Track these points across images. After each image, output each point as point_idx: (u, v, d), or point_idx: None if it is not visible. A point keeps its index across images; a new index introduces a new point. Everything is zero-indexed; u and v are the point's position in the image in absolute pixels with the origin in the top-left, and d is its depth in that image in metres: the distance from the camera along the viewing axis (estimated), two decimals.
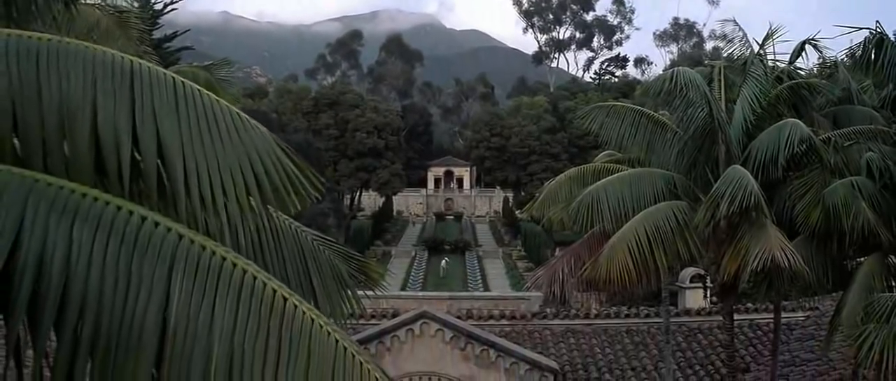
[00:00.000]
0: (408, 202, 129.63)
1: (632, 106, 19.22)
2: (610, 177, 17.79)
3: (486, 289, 70.93)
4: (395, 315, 22.65)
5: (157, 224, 4.08)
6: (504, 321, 25.30)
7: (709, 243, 17.12)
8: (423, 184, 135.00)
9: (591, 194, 17.13)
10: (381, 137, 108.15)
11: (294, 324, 4.15)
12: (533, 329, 25.32)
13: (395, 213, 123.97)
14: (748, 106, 17.49)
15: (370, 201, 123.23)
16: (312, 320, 4.22)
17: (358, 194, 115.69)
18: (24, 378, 4.70)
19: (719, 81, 18.33)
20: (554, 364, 22.62)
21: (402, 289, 61.10)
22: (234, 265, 4.14)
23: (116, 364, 3.86)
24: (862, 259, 16.71)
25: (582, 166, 20.10)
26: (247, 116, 4.97)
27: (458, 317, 23.78)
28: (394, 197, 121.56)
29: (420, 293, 38.95)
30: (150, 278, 3.97)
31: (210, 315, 3.96)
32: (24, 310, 3.93)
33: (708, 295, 28.11)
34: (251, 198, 4.64)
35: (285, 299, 4.20)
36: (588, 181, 18.33)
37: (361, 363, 4.29)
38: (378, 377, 4.32)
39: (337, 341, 4.27)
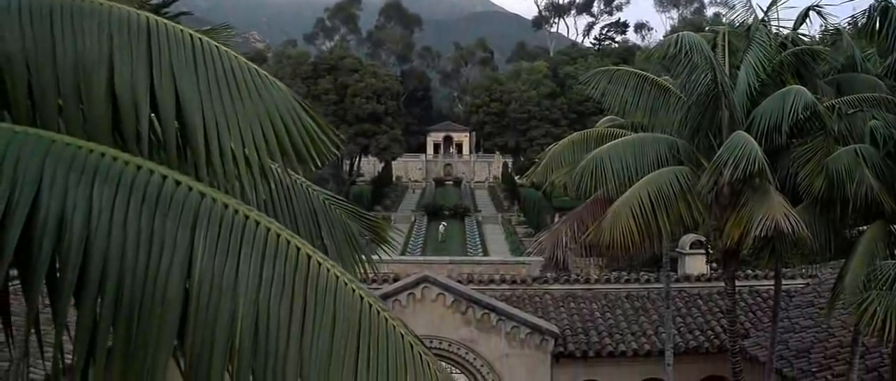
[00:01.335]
0: (407, 168, 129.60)
1: (635, 71, 19.16)
2: (613, 142, 17.76)
3: (486, 254, 71.05)
4: (396, 280, 22.73)
5: (178, 183, 4.02)
6: (504, 286, 25.39)
7: (711, 209, 17.14)
8: (423, 149, 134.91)
9: (594, 159, 17.12)
10: (381, 103, 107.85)
11: (319, 282, 4.12)
12: (533, 294, 25.42)
13: (394, 178, 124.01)
14: (752, 72, 17.41)
15: (369, 166, 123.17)
16: (337, 277, 4.20)
17: (357, 159, 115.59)
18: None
19: (723, 46, 18.25)
20: (554, 328, 22.74)
21: (402, 254, 61.20)
22: (258, 224, 4.10)
23: (139, 331, 3.83)
24: (863, 228, 16.74)
25: (585, 131, 20.06)
26: (266, 73, 4.92)
27: (459, 282, 23.87)
28: (393, 163, 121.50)
29: (421, 258, 39.05)
30: (172, 237, 3.93)
31: (234, 275, 3.93)
32: (44, 275, 3.88)
33: (708, 261, 28.20)
34: (272, 156, 4.62)
35: (309, 257, 4.17)
36: (591, 146, 18.33)
37: (387, 319, 4.28)
38: (403, 333, 4.31)
39: (362, 298, 4.25)
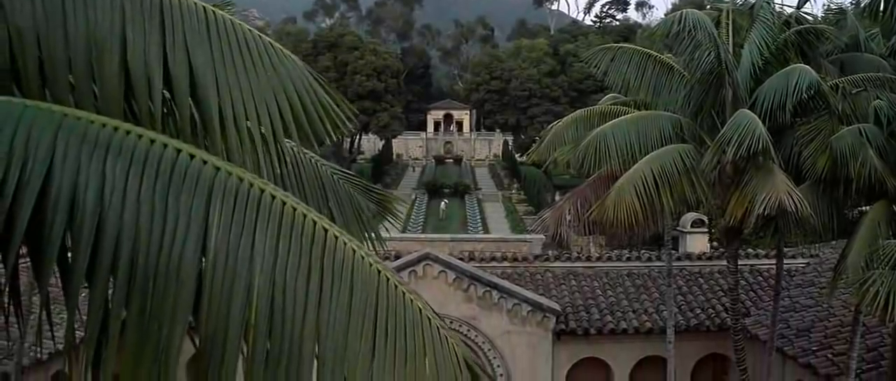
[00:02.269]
0: (407, 146, 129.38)
1: (638, 48, 19.11)
2: (617, 119, 17.74)
3: (487, 232, 71.06)
4: (397, 257, 22.74)
5: (192, 157, 3.98)
6: (506, 264, 25.42)
7: (715, 187, 17.16)
8: (423, 127, 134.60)
9: (598, 136, 17.11)
10: (381, 80, 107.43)
11: (336, 255, 4.09)
12: (534, 271, 25.46)
13: (394, 156, 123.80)
14: (756, 50, 17.39)
15: (370, 144, 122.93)
16: (354, 251, 4.17)
17: (357, 137, 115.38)
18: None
19: (727, 24, 18.19)
20: (556, 306, 22.80)
21: (403, 232, 61.20)
22: (273, 198, 4.06)
23: (153, 307, 3.80)
24: (864, 208, 16.75)
25: (588, 109, 20.01)
26: (280, 47, 4.87)
27: (461, 259, 23.89)
28: (393, 141, 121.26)
29: (422, 235, 39.03)
30: (187, 211, 3.89)
31: (250, 249, 3.90)
32: (56, 253, 3.83)
33: (711, 240, 28.24)
34: (287, 130, 4.59)
35: (326, 231, 4.14)
36: (594, 123, 18.30)
37: (404, 293, 4.26)
38: (420, 307, 4.29)
39: (379, 271, 4.22)
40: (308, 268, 3.99)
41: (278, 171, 4.80)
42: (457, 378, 4.23)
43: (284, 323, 3.89)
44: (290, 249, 3.98)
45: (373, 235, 7.09)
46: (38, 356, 16.93)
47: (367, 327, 4.05)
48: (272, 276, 3.89)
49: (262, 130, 4.54)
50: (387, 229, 8.26)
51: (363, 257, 4.18)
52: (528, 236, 31.17)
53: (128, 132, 4.02)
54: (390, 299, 4.16)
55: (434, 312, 4.35)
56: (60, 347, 17.57)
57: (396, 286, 4.25)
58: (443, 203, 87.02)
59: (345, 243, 4.15)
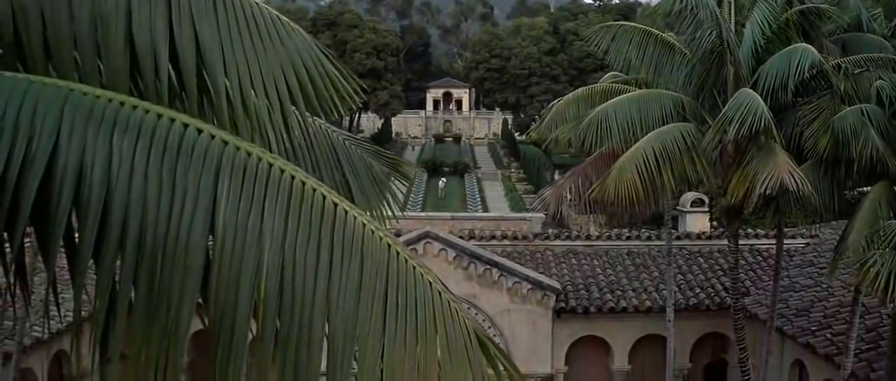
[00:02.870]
0: (406, 124, 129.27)
1: (639, 26, 19.03)
2: (618, 97, 17.69)
3: (486, 211, 71.09)
4: (398, 235, 22.73)
5: (199, 131, 3.94)
6: (506, 242, 25.44)
7: (716, 166, 17.15)
8: (422, 106, 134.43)
9: (600, 114, 17.08)
10: (380, 58, 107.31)
11: (346, 229, 4.06)
12: (534, 250, 25.49)
13: (393, 135, 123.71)
14: (758, 29, 17.32)
15: (369, 123, 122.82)
16: (364, 224, 4.14)
17: (357, 115, 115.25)
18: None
19: (729, 3, 18.12)
20: (556, 284, 22.85)
21: (403, 210, 61.07)
22: (282, 172, 4.03)
23: (162, 284, 3.76)
24: (865, 188, 16.75)
25: (590, 87, 19.92)
26: (288, 20, 4.82)
27: (461, 237, 23.91)
28: (393, 119, 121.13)
29: (422, 214, 39.05)
30: (195, 187, 3.85)
31: (259, 224, 3.86)
32: (63, 230, 3.78)
33: (712, 219, 28.25)
34: (296, 105, 4.55)
35: (336, 205, 4.11)
36: (596, 102, 18.25)
37: (415, 267, 4.24)
38: (431, 281, 4.27)
39: (389, 245, 4.20)
40: (318, 243, 3.95)
41: (287, 144, 4.74)
42: (468, 352, 4.22)
43: (294, 300, 3.86)
44: (299, 223, 3.93)
45: (390, 198, 7.03)
46: (42, 336, 16.97)
47: (378, 300, 4.02)
48: (282, 251, 3.86)
49: (270, 103, 4.48)
50: (406, 185, 8.19)
51: (373, 231, 4.15)
52: (527, 215, 31.18)
53: (134, 107, 3.97)
54: (401, 273, 4.13)
55: (444, 285, 4.33)
56: (60, 327, 17.62)
57: (407, 260, 4.22)
58: (441, 181, 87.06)
59: (354, 218, 4.12)
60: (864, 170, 15.85)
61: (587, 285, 23.66)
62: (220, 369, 3.78)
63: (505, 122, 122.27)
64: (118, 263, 3.82)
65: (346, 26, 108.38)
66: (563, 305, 22.80)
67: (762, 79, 16.58)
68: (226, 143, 3.98)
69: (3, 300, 10.93)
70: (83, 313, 4.11)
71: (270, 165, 4.01)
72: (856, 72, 16.73)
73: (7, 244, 3.98)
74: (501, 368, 4.43)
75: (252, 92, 4.45)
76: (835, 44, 18.02)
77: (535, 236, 25.98)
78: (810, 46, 16.22)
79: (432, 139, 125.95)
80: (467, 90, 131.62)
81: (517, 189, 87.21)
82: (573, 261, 25.01)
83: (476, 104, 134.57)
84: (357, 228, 4.10)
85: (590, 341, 23.51)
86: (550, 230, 26.62)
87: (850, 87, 16.49)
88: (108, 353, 3.79)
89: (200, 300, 3.87)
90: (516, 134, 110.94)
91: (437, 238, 22.51)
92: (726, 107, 15.89)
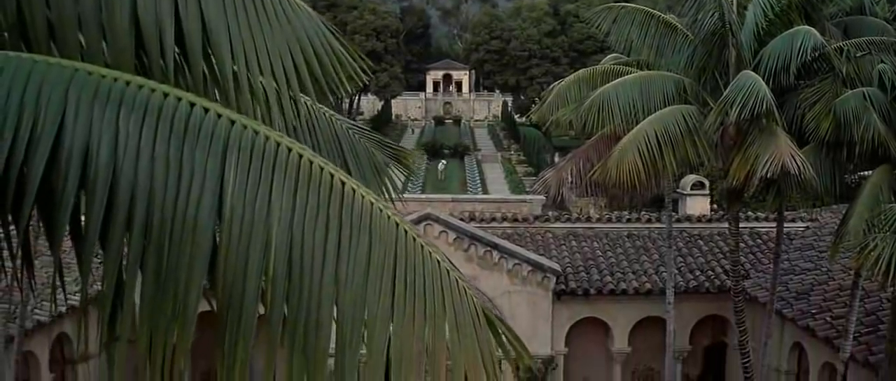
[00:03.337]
0: (406, 106, 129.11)
1: (641, 7, 18.97)
2: (620, 79, 17.66)
3: (486, 193, 71.06)
4: None
5: (206, 110, 3.92)
6: (506, 224, 25.46)
7: (717, 149, 17.12)
8: (422, 88, 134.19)
9: (601, 96, 17.05)
10: (380, 40, 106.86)
11: (354, 208, 4.05)
12: (535, 232, 25.51)
13: (393, 117, 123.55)
14: (760, 11, 17.25)
15: (369, 105, 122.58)
16: (372, 203, 4.13)
17: (357, 97, 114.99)
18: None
19: None
20: (556, 266, 22.89)
21: (403, 192, 60.99)
22: (289, 150, 4.01)
23: (170, 265, 3.74)
24: (862, 173, 16.75)
25: (591, 68, 19.86)
26: None
27: (461, 219, 23.92)
28: (392, 101, 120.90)
29: (422, 196, 38.98)
30: (202, 167, 3.83)
31: (267, 203, 3.85)
32: (69, 212, 3.75)
33: (713, 202, 28.24)
34: (303, 84, 4.51)
35: (343, 183, 4.09)
36: (597, 83, 18.20)
37: (422, 245, 4.23)
38: (439, 259, 4.26)
39: (397, 224, 4.19)
40: (326, 221, 3.93)
41: (294, 124, 4.71)
42: (476, 331, 4.22)
43: (303, 280, 3.84)
44: (307, 202, 3.91)
45: (390, 187, 7.02)
46: (44, 319, 16.99)
47: (386, 278, 4.01)
48: (290, 231, 3.84)
49: (277, 82, 4.45)
50: (407, 174, 8.19)
51: (381, 210, 4.14)
52: (527, 197, 31.18)
53: (141, 86, 3.93)
54: (409, 251, 4.12)
55: (452, 263, 4.33)
56: (62, 310, 17.65)
57: (415, 239, 4.21)
58: (441, 163, 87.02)
59: (362, 196, 4.10)
60: (866, 153, 15.83)
61: (587, 267, 23.69)
62: (229, 350, 3.77)
63: (505, 104, 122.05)
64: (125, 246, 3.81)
65: (346, 7, 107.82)
66: (563, 287, 22.84)
67: (764, 61, 16.55)
68: (232, 122, 3.95)
69: (9, 284, 10.91)
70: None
71: (278, 144, 3.99)
72: (858, 55, 16.69)
73: (13, 228, 3.95)
74: (508, 345, 4.44)
75: (259, 71, 4.41)
76: (837, 27, 17.98)
77: (536, 218, 25.99)
78: (812, 29, 16.20)
79: (432, 121, 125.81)
80: (467, 72, 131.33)
81: (517, 171, 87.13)
82: (573, 243, 25.03)
83: (476, 86, 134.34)
84: (365, 206, 4.08)
85: (590, 323, 23.57)
86: (550, 212, 26.62)
87: (852, 70, 16.45)
88: (115, 333, 3.78)
89: (206, 283, 3.86)
90: (516, 116, 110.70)
91: (437, 220, 22.52)
92: (728, 89, 15.87)
